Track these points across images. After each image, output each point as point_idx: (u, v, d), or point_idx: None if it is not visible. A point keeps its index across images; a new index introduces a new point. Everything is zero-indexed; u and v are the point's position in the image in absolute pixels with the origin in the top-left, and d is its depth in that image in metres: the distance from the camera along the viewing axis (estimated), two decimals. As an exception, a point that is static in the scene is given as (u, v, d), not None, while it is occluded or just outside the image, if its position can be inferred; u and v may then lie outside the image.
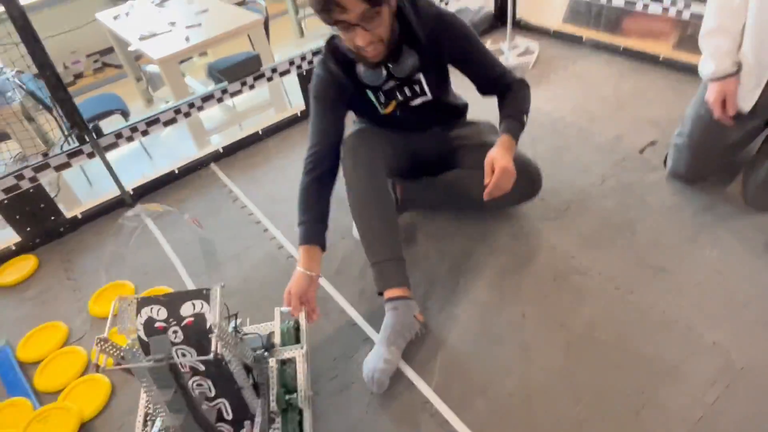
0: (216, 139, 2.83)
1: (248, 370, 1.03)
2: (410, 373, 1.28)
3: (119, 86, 4.15)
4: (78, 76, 4.53)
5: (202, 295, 0.90)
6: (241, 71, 2.03)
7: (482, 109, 1.61)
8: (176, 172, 2.08)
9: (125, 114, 3.11)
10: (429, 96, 1.46)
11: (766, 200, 1.51)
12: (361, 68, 1.35)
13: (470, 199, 1.60)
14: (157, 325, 0.89)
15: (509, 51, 2.55)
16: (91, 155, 1.83)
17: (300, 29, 4.51)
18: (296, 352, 1.16)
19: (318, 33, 4.46)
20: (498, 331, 1.35)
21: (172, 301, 0.90)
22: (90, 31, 3.88)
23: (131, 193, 1.99)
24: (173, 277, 1.67)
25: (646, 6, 2.14)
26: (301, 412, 1.09)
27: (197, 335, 0.88)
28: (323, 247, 1.35)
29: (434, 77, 1.44)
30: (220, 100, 2.03)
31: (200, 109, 2.01)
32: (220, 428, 0.99)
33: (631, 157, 1.82)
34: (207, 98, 2.01)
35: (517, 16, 2.75)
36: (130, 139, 1.90)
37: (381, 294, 1.35)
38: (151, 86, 3.81)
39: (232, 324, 1.04)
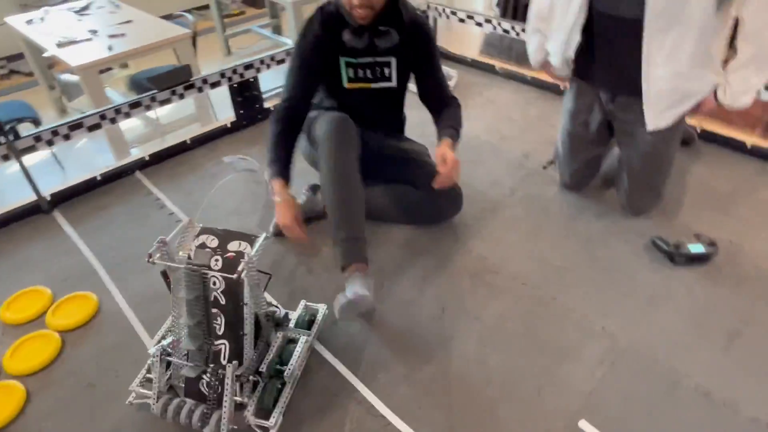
0: (137, 152, 2.76)
1: (258, 329, 1.17)
2: (339, 366, 1.35)
3: (28, 95, 3.92)
4: (-21, 82, 4.23)
5: (249, 238, 1.11)
6: (171, 79, 2.04)
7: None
8: (98, 178, 2.03)
9: (36, 122, 2.96)
10: (393, 83, 1.65)
11: (633, 204, 1.78)
12: (347, 35, 1.50)
13: (411, 214, 1.77)
14: (206, 250, 1.11)
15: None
16: (5, 157, 1.76)
17: (227, 47, 4.52)
18: (302, 337, 1.31)
19: (244, 52, 4.50)
20: (420, 324, 1.46)
21: (226, 236, 1.12)
22: (-6, 36, 3.66)
23: (48, 199, 1.92)
24: (95, 282, 1.63)
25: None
26: (283, 385, 1.20)
27: (233, 269, 1.07)
28: (288, 182, 1.52)
29: (402, 67, 1.63)
30: (148, 107, 2.03)
31: (127, 115, 1.99)
32: (216, 368, 1.12)
33: (535, 172, 2.04)
34: (135, 105, 2.00)
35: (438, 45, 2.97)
36: (50, 143, 1.84)
37: (344, 270, 1.42)
38: (65, 96, 3.65)
39: (264, 282, 1.19)
